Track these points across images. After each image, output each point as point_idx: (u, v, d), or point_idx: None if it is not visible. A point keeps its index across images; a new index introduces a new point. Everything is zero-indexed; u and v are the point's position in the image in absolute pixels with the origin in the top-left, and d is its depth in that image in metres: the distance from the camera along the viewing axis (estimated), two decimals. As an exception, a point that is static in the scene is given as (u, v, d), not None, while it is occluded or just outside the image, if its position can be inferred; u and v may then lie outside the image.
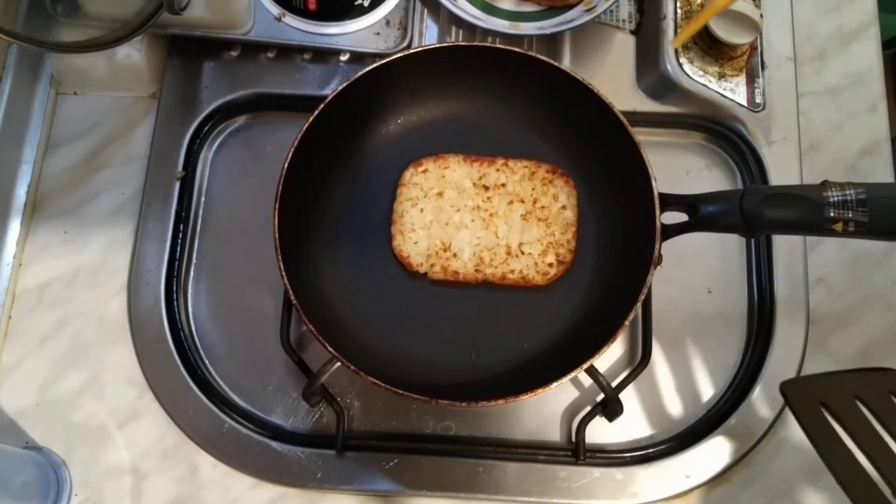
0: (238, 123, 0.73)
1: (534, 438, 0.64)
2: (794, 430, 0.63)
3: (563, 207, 0.65)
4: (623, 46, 0.74)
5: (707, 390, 0.66)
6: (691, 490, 0.62)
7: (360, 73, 0.62)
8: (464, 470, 0.62)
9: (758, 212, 0.56)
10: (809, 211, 0.55)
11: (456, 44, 0.65)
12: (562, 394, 0.65)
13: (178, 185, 0.70)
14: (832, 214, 0.55)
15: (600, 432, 0.64)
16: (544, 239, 0.64)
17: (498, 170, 0.66)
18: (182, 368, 0.65)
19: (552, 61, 0.62)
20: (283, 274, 0.57)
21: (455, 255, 0.64)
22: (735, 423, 0.63)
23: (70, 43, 0.63)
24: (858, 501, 0.46)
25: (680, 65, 0.70)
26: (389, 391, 0.55)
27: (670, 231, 0.59)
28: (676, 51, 0.70)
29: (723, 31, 0.67)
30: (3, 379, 0.66)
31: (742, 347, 0.67)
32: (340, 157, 0.66)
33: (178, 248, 0.69)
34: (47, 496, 0.61)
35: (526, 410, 0.65)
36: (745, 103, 0.70)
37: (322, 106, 0.61)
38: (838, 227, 0.55)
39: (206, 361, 0.67)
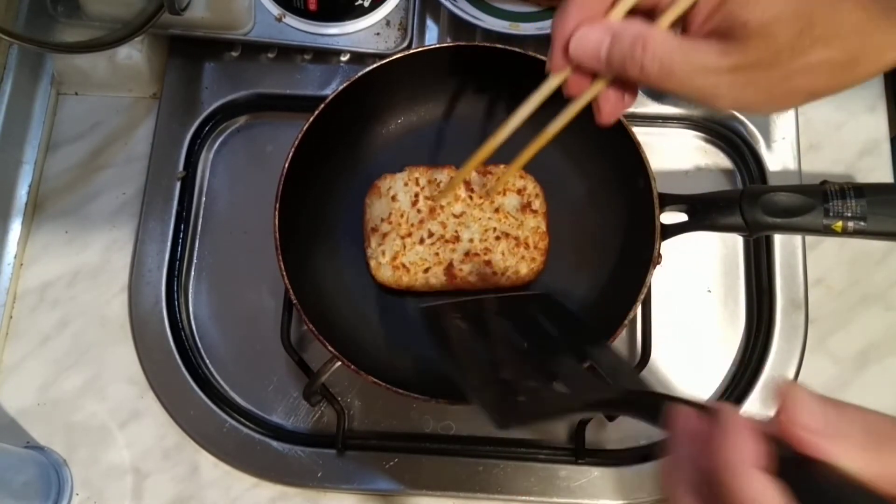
0: (238, 124, 0.73)
1: (534, 438, 0.64)
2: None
3: (533, 212, 0.64)
4: (623, 46, 0.74)
5: (706, 390, 0.66)
6: (691, 489, 0.62)
7: (360, 74, 0.62)
8: (464, 469, 0.62)
9: (757, 212, 0.56)
10: (809, 211, 0.55)
11: (456, 44, 0.65)
12: (562, 393, 0.65)
13: (178, 185, 0.70)
14: (831, 214, 0.55)
15: (600, 432, 0.64)
16: (514, 249, 0.63)
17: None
18: (183, 368, 0.65)
19: (552, 61, 0.62)
20: (284, 274, 0.57)
21: (411, 270, 0.63)
22: (735, 423, 0.63)
23: (71, 43, 0.63)
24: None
25: (680, 65, 0.70)
26: (389, 391, 0.55)
27: (670, 231, 0.60)
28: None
29: (722, 32, 0.67)
30: (4, 379, 0.66)
31: (742, 347, 0.67)
32: (341, 157, 0.66)
33: (179, 248, 0.69)
34: (48, 496, 0.61)
35: (526, 410, 0.65)
36: (744, 103, 0.70)
37: (322, 106, 0.61)
38: (837, 227, 0.55)
39: (207, 361, 0.67)
